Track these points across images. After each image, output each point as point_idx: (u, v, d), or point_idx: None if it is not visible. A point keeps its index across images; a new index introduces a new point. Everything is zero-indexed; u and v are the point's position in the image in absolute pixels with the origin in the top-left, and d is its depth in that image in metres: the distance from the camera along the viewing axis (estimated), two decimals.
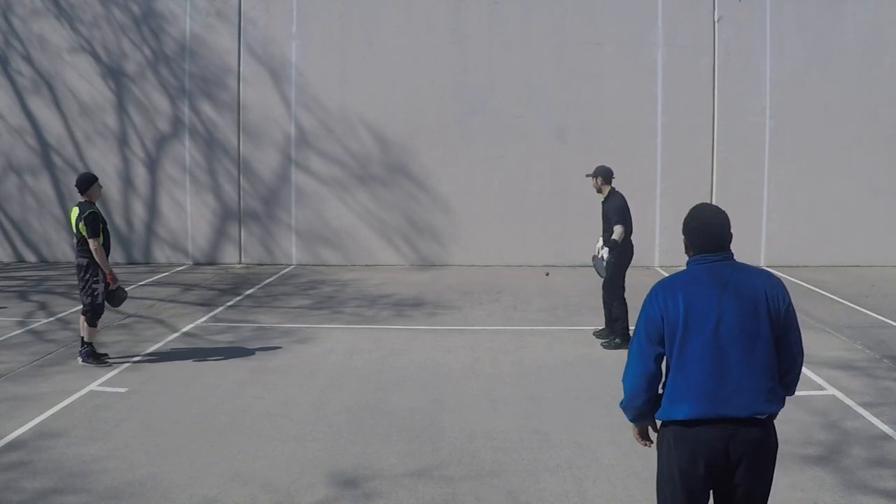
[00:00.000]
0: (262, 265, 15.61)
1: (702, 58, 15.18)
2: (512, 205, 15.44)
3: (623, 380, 3.57)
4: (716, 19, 15.13)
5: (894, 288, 12.95)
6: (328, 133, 15.60)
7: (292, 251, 15.79)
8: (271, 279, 14.01)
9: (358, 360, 8.67)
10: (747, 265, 3.62)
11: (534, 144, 15.38)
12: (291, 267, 15.47)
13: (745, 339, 3.38)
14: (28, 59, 15.80)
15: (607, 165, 9.36)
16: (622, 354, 8.89)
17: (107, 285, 8.31)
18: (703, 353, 3.38)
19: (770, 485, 3.53)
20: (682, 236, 3.66)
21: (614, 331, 9.16)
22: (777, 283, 3.55)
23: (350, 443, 6.21)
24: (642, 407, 3.56)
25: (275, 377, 8.00)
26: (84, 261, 8.23)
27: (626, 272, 9.22)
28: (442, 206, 15.52)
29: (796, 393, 7.67)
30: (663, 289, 3.53)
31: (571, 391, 7.54)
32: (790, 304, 3.50)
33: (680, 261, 13.52)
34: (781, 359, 3.46)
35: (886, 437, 6.27)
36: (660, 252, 15.17)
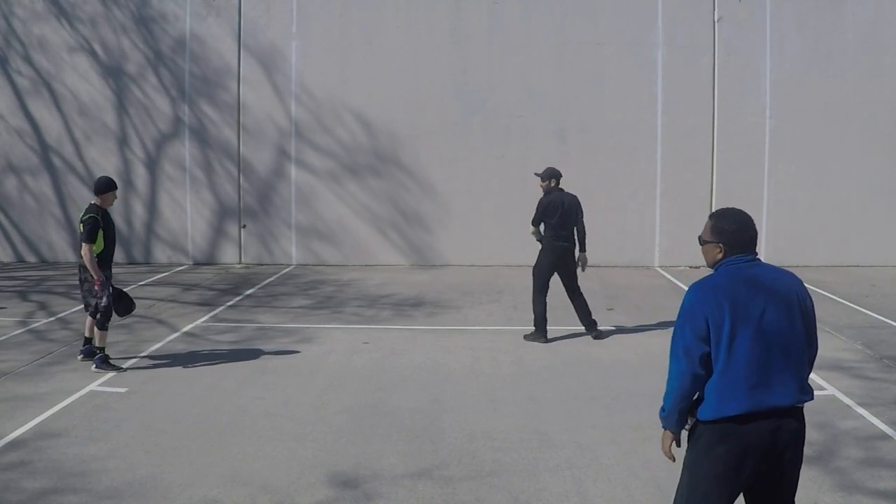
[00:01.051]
0: (261, 265, 15.61)
1: (702, 58, 15.18)
2: (512, 205, 15.43)
3: (668, 384, 3.61)
4: (716, 19, 15.13)
5: (894, 288, 12.96)
6: (328, 133, 15.61)
7: (292, 251, 15.80)
8: (272, 279, 14.01)
9: (358, 360, 8.67)
10: (773, 265, 3.75)
11: (534, 144, 15.38)
12: (291, 267, 15.48)
13: (784, 334, 3.53)
14: (27, 60, 15.80)
15: (552, 167, 9.72)
16: (621, 354, 8.91)
17: (112, 290, 8.27)
18: (749, 350, 3.49)
19: (800, 472, 3.67)
20: (710, 240, 3.70)
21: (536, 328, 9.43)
22: (801, 281, 3.74)
23: (350, 443, 6.21)
24: (686, 410, 3.62)
25: (275, 377, 8.00)
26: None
27: (552, 275, 9.51)
28: (442, 206, 15.52)
29: None
30: (705, 291, 3.59)
31: (571, 391, 7.55)
32: (811, 297, 3.71)
33: (680, 260, 13.67)
34: (810, 350, 3.67)
35: (886, 437, 6.28)
36: (660, 252, 15.16)
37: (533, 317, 9.50)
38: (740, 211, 3.74)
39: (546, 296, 9.46)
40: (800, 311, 3.59)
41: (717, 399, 3.51)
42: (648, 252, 15.23)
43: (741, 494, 3.62)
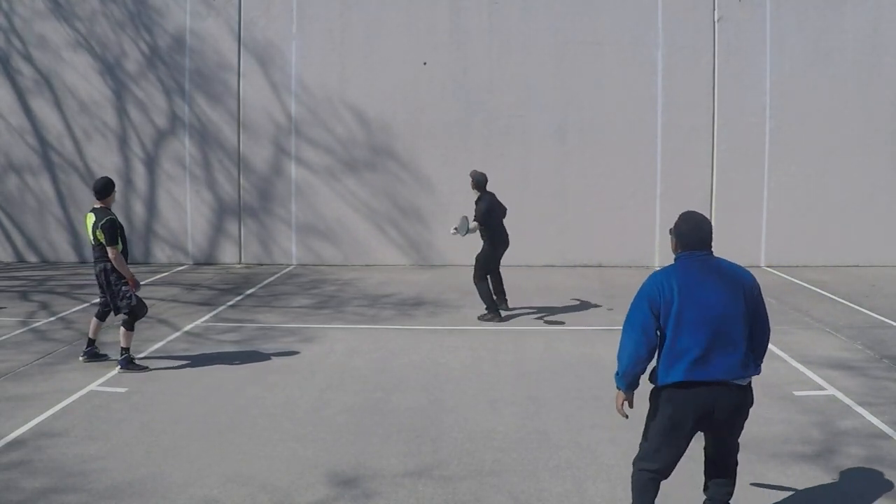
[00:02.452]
0: (262, 265, 15.61)
1: (702, 58, 15.17)
2: (512, 205, 15.32)
3: (623, 351, 4.24)
4: (716, 19, 15.13)
5: (894, 288, 12.95)
6: (328, 132, 15.61)
7: (292, 250, 15.79)
8: (272, 278, 14.01)
9: (358, 359, 8.67)
10: (728, 260, 4.37)
11: (534, 144, 15.38)
12: (292, 266, 15.47)
13: (728, 316, 4.15)
14: (27, 58, 15.80)
15: (481, 171, 11.21)
16: None
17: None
18: (695, 327, 4.12)
19: (743, 426, 4.39)
20: (672, 237, 4.43)
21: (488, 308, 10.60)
22: (751, 274, 4.39)
23: (350, 443, 6.22)
24: (639, 374, 4.27)
25: (275, 377, 8.00)
26: (108, 265, 8.10)
27: (497, 266, 10.98)
28: (442, 206, 15.50)
29: (796, 392, 7.70)
30: (662, 275, 4.30)
31: (571, 391, 7.55)
32: (759, 288, 4.35)
33: None
34: (755, 331, 4.27)
35: (885, 437, 6.28)
36: (660, 253, 15.15)
37: (481, 300, 10.63)
38: (701, 216, 4.41)
39: (488, 281, 10.70)
40: (744, 298, 4.19)
41: (664, 368, 4.18)
42: (648, 252, 15.23)
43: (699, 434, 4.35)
